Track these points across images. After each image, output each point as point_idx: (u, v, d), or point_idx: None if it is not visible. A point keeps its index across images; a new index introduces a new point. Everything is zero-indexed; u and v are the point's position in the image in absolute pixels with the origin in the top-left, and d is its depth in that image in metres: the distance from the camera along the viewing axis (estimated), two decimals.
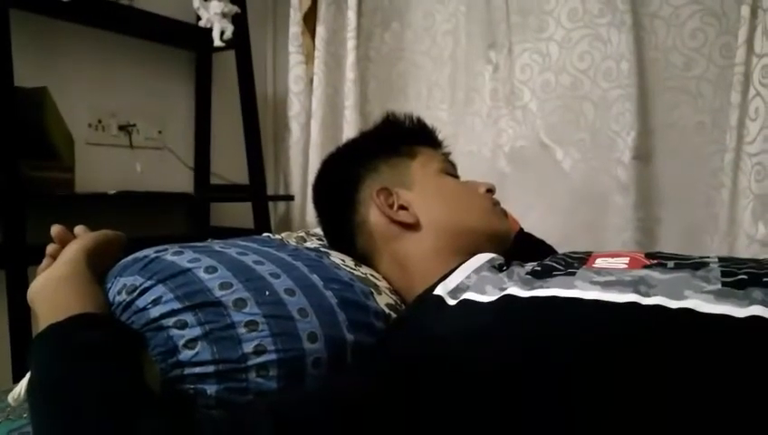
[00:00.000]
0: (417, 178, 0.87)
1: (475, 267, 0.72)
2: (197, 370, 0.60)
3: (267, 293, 0.65)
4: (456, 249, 0.79)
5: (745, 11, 1.17)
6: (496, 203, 0.91)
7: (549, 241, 1.08)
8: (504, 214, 0.92)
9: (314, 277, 0.71)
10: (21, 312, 1.21)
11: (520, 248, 0.95)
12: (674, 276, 0.60)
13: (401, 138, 0.93)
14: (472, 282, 0.68)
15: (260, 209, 1.73)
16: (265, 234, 0.85)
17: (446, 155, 0.96)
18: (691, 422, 0.48)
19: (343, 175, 0.90)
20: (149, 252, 0.70)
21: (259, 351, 0.61)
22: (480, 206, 0.88)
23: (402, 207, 0.84)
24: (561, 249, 0.93)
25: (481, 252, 0.78)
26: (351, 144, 0.99)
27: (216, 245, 0.75)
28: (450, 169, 0.93)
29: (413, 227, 0.83)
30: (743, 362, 0.49)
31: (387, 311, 0.75)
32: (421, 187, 0.87)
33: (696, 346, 0.51)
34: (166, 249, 0.70)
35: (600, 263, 0.68)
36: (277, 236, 0.85)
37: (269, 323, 0.63)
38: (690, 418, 0.48)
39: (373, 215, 0.85)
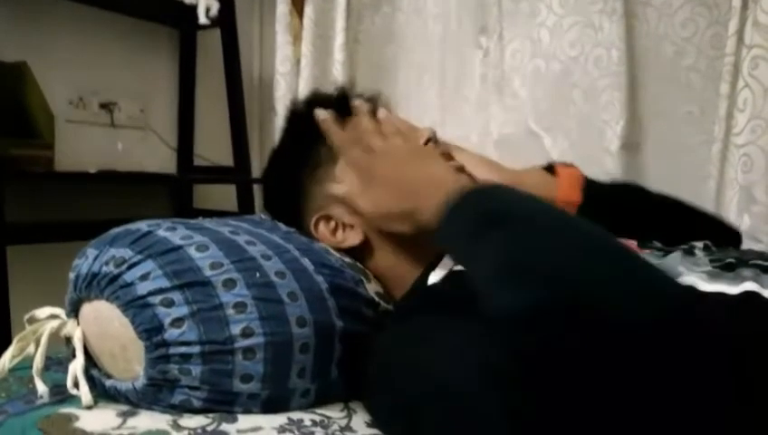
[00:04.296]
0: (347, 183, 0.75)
1: None
2: (183, 349, 0.59)
3: (258, 274, 0.64)
4: (422, 243, 0.67)
5: (736, 2, 1.18)
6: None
7: None
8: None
9: (305, 261, 0.70)
10: (0, 288, 1.17)
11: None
12: (667, 258, 0.63)
13: (314, 135, 0.77)
14: None
15: (244, 192, 1.70)
16: (257, 214, 0.83)
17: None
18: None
19: (283, 208, 0.81)
20: (142, 225, 0.68)
21: (247, 333, 0.61)
22: None
23: (348, 226, 0.76)
24: None
25: None
26: (279, 162, 0.85)
27: (208, 222, 0.73)
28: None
29: (365, 243, 0.76)
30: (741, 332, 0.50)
31: (377, 299, 0.74)
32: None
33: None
34: (159, 224, 0.68)
35: None
36: (267, 218, 0.83)
37: (258, 305, 0.62)
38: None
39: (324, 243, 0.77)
